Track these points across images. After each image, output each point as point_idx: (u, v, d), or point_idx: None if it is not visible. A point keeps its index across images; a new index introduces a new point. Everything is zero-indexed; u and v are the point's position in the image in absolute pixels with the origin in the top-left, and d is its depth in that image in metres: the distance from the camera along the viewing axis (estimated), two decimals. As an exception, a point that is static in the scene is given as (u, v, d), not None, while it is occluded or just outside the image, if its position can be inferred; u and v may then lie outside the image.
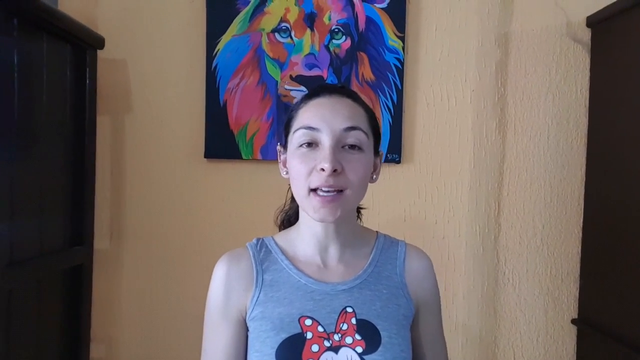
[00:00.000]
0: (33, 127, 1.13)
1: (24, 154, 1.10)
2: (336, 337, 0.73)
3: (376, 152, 0.80)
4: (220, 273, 0.79)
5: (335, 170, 0.71)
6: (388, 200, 1.45)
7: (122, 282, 1.44)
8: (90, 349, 1.36)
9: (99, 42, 1.34)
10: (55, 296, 1.25)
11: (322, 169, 0.71)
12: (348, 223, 0.81)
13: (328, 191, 0.72)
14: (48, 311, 1.21)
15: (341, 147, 0.73)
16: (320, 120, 0.74)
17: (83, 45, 1.28)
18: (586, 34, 1.43)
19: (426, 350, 0.84)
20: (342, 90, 0.79)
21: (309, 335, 0.73)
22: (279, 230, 0.89)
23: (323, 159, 0.71)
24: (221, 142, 1.42)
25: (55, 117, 1.22)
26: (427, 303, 0.83)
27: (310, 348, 0.72)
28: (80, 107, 1.30)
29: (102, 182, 1.42)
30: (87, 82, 1.30)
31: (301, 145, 0.74)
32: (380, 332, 0.74)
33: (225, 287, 0.78)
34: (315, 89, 0.80)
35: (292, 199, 0.86)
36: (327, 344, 0.72)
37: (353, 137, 0.74)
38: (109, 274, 1.44)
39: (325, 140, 0.73)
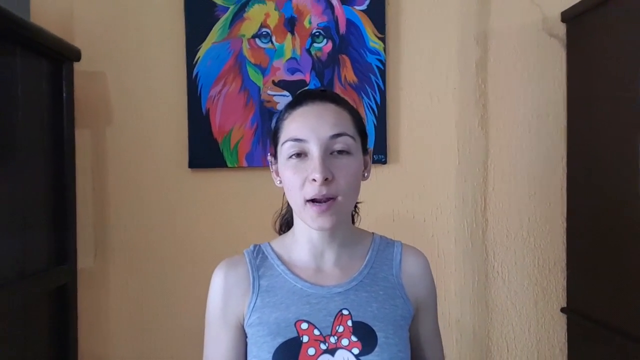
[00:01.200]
0: (9, 143, 1.09)
1: (1, 172, 1.06)
2: (332, 339, 0.74)
3: (365, 151, 0.82)
4: (218, 280, 0.80)
5: (326, 179, 0.72)
6: (376, 200, 1.45)
7: (109, 299, 1.40)
8: (79, 371, 1.32)
9: (75, 54, 1.30)
10: (41, 318, 1.20)
11: (314, 179, 0.72)
12: (343, 226, 0.81)
13: (322, 197, 0.72)
14: (34, 334, 1.17)
15: (330, 153, 0.75)
16: (307, 130, 0.75)
17: (58, 57, 1.24)
18: (561, 29, 1.46)
19: (425, 348, 0.85)
20: (325, 95, 0.80)
21: (305, 338, 0.73)
22: (279, 235, 0.89)
23: (313, 170, 0.72)
24: (205, 151, 1.40)
25: (33, 132, 1.18)
26: (425, 302, 0.84)
27: (307, 351, 0.73)
28: (58, 121, 1.26)
29: (83, 198, 1.38)
30: (64, 95, 1.26)
31: (291, 157, 0.75)
32: (377, 333, 0.74)
33: (223, 294, 0.79)
34: (298, 96, 0.81)
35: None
36: (323, 346, 0.73)
37: (341, 143, 0.75)
38: (95, 292, 1.39)
39: (314, 150, 0.74)
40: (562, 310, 1.48)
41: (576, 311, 1.43)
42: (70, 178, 1.30)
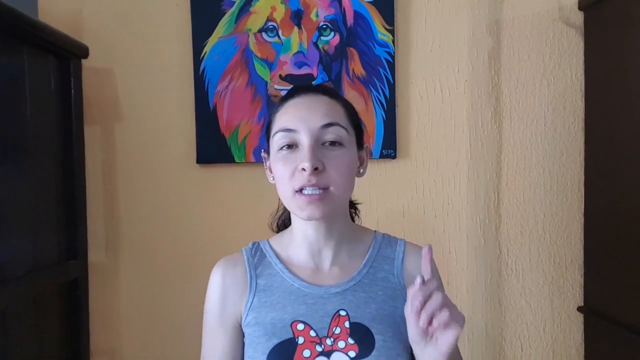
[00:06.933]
0: (19, 141, 1.11)
1: (12, 170, 1.08)
2: (328, 341, 0.72)
3: (360, 146, 0.79)
4: (216, 279, 0.79)
5: (316, 169, 0.71)
6: (385, 196, 1.43)
7: (121, 293, 1.42)
8: (91, 364, 1.34)
9: (83, 51, 1.31)
10: (52, 312, 1.22)
11: (303, 169, 0.70)
12: (340, 222, 0.79)
13: (313, 190, 0.71)
14: (45, 328, 1.19)
15: (321, 144, 0.73)
16: (297, 120, 0.73)
17: (66, 55, 1.25)
18: (579, 18, 1.40)
19: None
20: (317, 88, 0.79)
21: (301, 340, 0.72)
22: (276, 234, 0.88)
23: (303, 159, 0.71)
24: (213, 147, 1.40)
25: (42, 129, 1.19)
26: None
27: (302, 353, 0.71)
28: (67, 118, 1.27)
29: (94, 193, 1.39)
30: (72, 92, 1.27)
31: (281, 148, 0.74)
32: (375, 336, 0.72)
33: (221, 294, 0.78)
34: (291, 90, 0.80)
35: None
36: (319, 348, 0.71)
37: (332, 134, 0.73)
38: (106, 286, 1.41)
39: (304, 140, 0.72)
40: (579, 309, 1.43)
41: (593, 310, 1.38)
42: (80, 174, 1.31)
